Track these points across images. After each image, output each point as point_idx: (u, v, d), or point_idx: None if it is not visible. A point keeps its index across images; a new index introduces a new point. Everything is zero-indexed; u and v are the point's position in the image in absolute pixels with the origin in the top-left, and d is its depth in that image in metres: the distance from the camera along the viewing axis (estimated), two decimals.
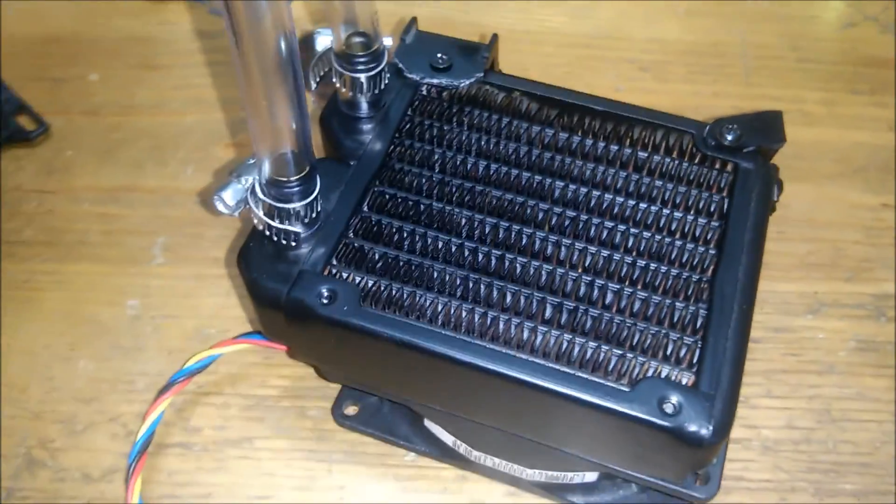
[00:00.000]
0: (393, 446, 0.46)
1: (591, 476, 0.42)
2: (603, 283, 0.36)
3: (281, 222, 0.37)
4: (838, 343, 0.48)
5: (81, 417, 0.47)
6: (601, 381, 0.34)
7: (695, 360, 0.35)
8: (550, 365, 0.34)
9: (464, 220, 0.38)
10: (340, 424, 0.46)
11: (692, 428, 0.33)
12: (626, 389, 0.34)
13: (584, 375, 0.34)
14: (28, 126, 0.57)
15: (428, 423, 0.44)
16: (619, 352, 0.35)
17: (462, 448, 0.43)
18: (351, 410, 0.46)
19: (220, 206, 0.38)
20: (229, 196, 0.37)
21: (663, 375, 0.34)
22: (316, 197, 0.37)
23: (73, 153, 0.57)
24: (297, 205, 0.37)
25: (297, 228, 0.37)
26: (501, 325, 0.36)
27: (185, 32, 0.64)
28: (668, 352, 0.35)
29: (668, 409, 0.33)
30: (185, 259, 0.53)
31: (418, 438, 0.45)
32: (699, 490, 0.38)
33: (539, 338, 0.35)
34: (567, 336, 0.35)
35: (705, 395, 0.33)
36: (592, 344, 0.35)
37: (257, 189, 0.37)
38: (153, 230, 0.54)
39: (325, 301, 0.36)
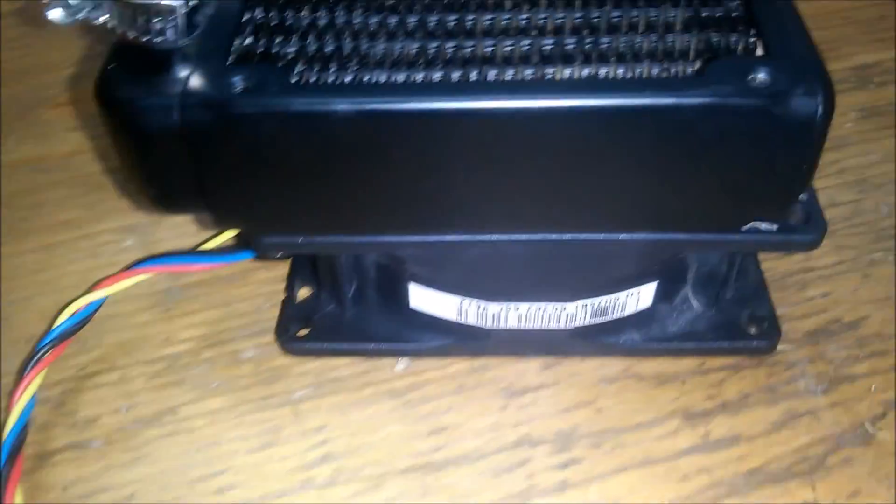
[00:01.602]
0: (373, 358, 0.33)
1: (646, 298, 0.31)
2: None
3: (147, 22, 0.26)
4: (840, 118, 0.41)
5: None
6: (653, 77, 0.25)
7: (752, 27, 0.26)
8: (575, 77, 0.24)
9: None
10: (293, 352, 0.33)
11: (798, 98, 0.24)
12: (691, 77, 0.24)
13: (627, 76, 0.25)
14: None
15: (417, 302, 0.32)
16: (658, 41, 0.26)
17: (472, 313, 0.31)
18: (303, 331, 0.34)
19: (56, 12, 0.25)
20: None
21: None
22: None
23: None
24: None
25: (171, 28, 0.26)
26: (495, 51, 0.25)
27: None
28: (719, 23, 0.26)
29: (758, 82, 0.24)
30: (25, 232, 0.39)
31: (405, 332, 0.33)
32: (805, 232, 0.28)
33: (548, 46, 0.25)
34: (585, 40, 0.26)
35: (790, 59, 0.24)
36: (623, 39, 0.26)
37: None
38: None
39: (240, 89, 0.25)
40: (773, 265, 0.35)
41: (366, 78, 0.26)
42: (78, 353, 0.34)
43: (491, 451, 0.30)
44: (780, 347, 0.32)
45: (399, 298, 0.32)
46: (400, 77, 0.25)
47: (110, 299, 0.33)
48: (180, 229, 0.38)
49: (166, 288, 0.36)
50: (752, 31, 0.26)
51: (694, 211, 0.27)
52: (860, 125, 0.41)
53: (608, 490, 0.29)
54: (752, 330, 0.32)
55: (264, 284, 0.36)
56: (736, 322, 0.33)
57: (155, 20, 0.26)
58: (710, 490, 0.29)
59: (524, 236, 0.28)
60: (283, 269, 0.36)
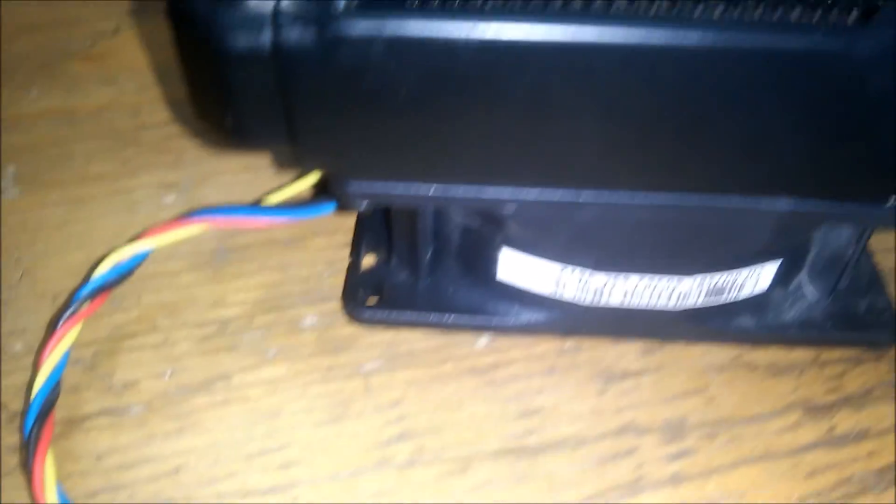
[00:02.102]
0: (453, 332, 0.30)
1: (765, 279, 0.28)
2: None
3: None
4: None
5: None
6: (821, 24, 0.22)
7: None
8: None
9: None
10: (361, 320, 0.30)
11: None
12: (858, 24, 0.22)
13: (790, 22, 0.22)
14: None
15: (507, 271, 0.28)
16: None
17: (572, 285, 0.28)
18: (373, 299, 0.30)
19: None
20: None
21: None
22: None
23: None
24: None
25: None
26: None
27: None
28: None
29: None
30: (50, 184, 0.35)
31: (489, 304, 0.29)
32: None
33: None
34: None
35: None
36: None
37: None
38: None
39: (345, 5, 0.21)
40: (883, 258, 0.32)
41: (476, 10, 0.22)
42: (112, 312, 0.30)
43: (592, 438, 0.27)
44: None
45: (486, 266, 0.29)
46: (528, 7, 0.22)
47: (150, 258, 0.30)
48: (229, 189, 0.35)
49: (215, 249, 0.32)
50: None
51: (842, 176, 0.25)
52: None
53: (728, 484, 0.26)
54: (872, 320, 0.29)
55: (325, 251, 0.32)
56: (854, 313, 0.30)
57: None
58: (841, 487, 0.26)
59: (647, 197, 0.25)
60: (345, 235, 0.33)
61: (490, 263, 0.29)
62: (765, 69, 0.22)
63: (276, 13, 0.21)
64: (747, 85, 0.22)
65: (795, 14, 0.22)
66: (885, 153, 0.24)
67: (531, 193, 0.25)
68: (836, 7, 0.23)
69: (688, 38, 0.21)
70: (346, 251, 0.32)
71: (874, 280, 0.31)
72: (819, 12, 0.22)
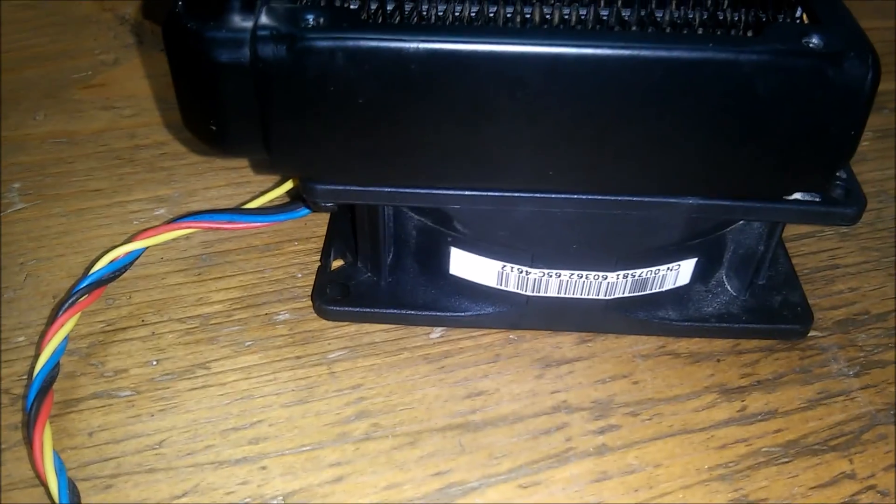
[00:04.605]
0: (409, 326, 0.33)
1: (685, 274, 0.32)
2: None
3: None
4: None
5: None
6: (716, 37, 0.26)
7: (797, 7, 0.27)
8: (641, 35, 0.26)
9: None
10: (329, 316, 0.33)
11: (850, 60, 0.25)
12: (749, 38, 0.25)
13: (690, 35, 0.26)
14: None
15: (457, 267, 0.32)
16: (709, 16, 0.27)
17: (513, 278, 0.31)
18: (339, 296, 0.33)
19: None
20: None
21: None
22: None
23: None
24: None
25: None
26: (554, 12, 0.27)
27: (4, 6, 0.52)
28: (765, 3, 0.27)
29: (813, 44, 0.25)
30: (53, 198, 0.39)
31: (443, 300, 0.33)
32: (846, 205, 0.29)
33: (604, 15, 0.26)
34: (640, 11, 0.27)
35: (839, 29, 0.26)
36: (675, 13, 0.27)
37: None
38: (2, 179, 0.40)
39: (312, 24, 0.25)
40: (800, 261, 0.36)
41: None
42: (106, 308, 0.34)
43: (528, 415, 0.30)
44: (811, 334, 0.33)
45: (439, 265, 0.32)
46: (462, 22, 0.26)
47: (141, 260, 0.33)
48: (214, 203, 0.38)
49: (199, 254, 0.36)
50: (798, 11, 0.28)
51: (743, 175, 0.28)
52: (876, 144, 0.43)
53: (647, 455, 0.29)
54: (786, 314, 0.33)
55: (298, 255, 0.36)
56: (769, 307, 0.33)
57: None
58: (749, 458, 0.29)
59: (573, 196, 0.29)
60: (316, 242, 0.36)
61: (442, 261, 0.32)
62: (670, 77, 0.25)
63: (255, 30, 0.25)
64: (656, 92, 0.26)
65: (698, 31, 0.26)
66: (775, 153, 0.27)
67: (475, 191, 0.29)
68: (735, 27, 0.27)
69: (605, 51, 0.25)
70: (318, 256, 0.36)
71: (791, 278, 0.34)
72: (719, 31, 0.26)
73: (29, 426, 0.28)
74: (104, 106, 0.44)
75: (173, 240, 0.33)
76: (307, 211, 0.34)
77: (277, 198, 0.36)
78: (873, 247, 0.37)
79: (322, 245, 0.36)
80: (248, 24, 0.26)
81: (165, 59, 0.27)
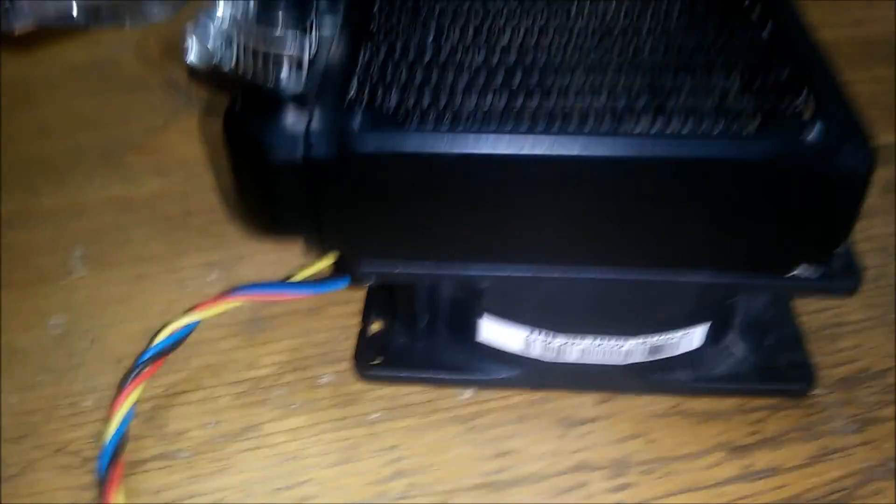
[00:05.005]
0: (442, 388, 0.36)
1: (697, 338, 0.34)
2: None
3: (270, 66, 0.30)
4: None
5: (13, 459, 0.34)
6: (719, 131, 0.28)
7: (802, 92, 0.30)
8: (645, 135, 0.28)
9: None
10: (368, 378, 0.36)
11: (846, 154, 0.27)
12: (751, 135, 0.28)
13: (693, 129, 0.28)
14: None
15: (487, 334, 0.35)
16: (719, 104, 0.29)
17: (538, 345, 0.34)
18: (377, 359, 0.37)
19: (193, 50, 0.29)
20: (205, 33, 0.29)
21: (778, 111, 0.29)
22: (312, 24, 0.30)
23: None
24: (291, 40, 0.30)
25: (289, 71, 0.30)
26: (573, 108, 0.29)
27: (57, 68, 0.56)
28: (771, 89, 0.30)
29: (811, 140, 0.28)
30: (112, 264, 0.42)
31: (473, 363, 0.36)
32: (845, 280, 0.32)
33: (621, 104, 0.29)
34: (653, 100, 0.29)
35: (838, 120, 0.28)
36: (689, 101, 0.30)
37: (239, 25, 0.30)
38: (65, 246, 0.43)
39: (359, 127, 0.28)
40: (807, 319, 0.38)
41: (460, 129, 0.29)
42: (166, 373, 0.37)
43: (551, 474, 0.33)
44: (815, 392, 0.35)
45: (469, 331, 0.35)
46: (491, 128, 0.29)
47: (197, 327, 0.37)
48: (262, 267, 0.42)
49: (249, 319, 0.39)
50: (802, 96, 0.30)
51: (747, 255, 0.31)
52: (884, 198, 0.45)
53: None
54: (791, 374, 0.35)
55: (340, 318, 0.39)
56: (776, 366, 0.36)
57: (281, 68, 0.30)
58: None
59: (593, 273, 0.31)
60: (356, 305, 0.39)
61: (472, 328, 0.35)
62: (679, 173, 0.28)
63: (307, 133, 0.29)
64: (667, 186, 0.29)
65: (706, 125, 0.29)
66: (777, 235, 0.30)
67: (503, 270, 0.32)
68: (740, 118, 0.29)
69: (621, 149, 0.28)
70: (358, 319, 0.39)
71: (796, 338, 0.37)
72: (723, 123, 0.29)
73: (101, 491, 0.31)
74: (156, 170, 0.48)
75: (225, 311, 0.36)
76: (348, 281, 0.37)
77: (321, 268, 0.39)
78: (877, 303, 0.39)
79: (362, 309, 0.39)
80: (302, 125, 0.29)
81: (212, 121, 0.30)
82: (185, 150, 0.49)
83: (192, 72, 0.31)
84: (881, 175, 0.46)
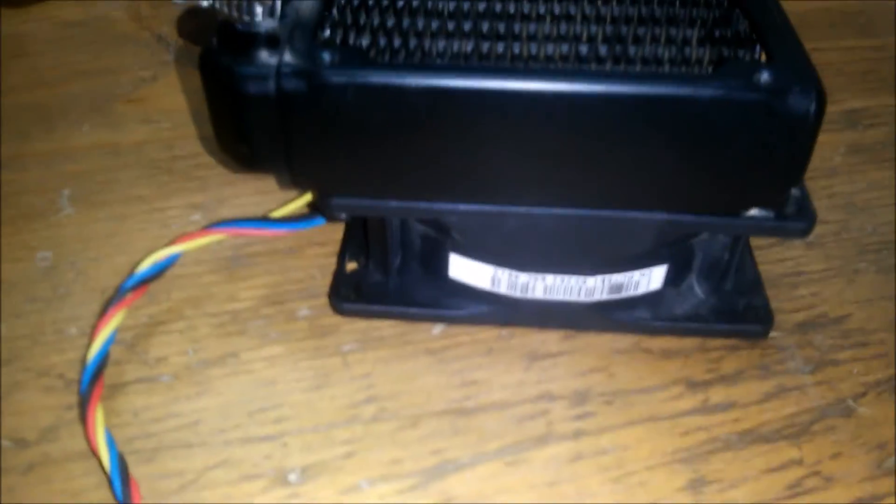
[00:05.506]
0: (414, 322, 0.38)
1: (657, 279, 0.36)
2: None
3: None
4: (831, 152, 0.47)
5: None
6: (676, 71, 0.30)
7: (756, 43, 0.31)
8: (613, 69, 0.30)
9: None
10: (343, 312, 0.38)
11: (795, 95, 0.29)
12: (705, 75, 0.29)
13: (652, 70, 0.30)
14: None
15: (455, 271, 0.36)
16: (678, 52, 0.31)
17: (504, 282, 0.35)
18: (352, 296, 0.38)
19: None
20: None
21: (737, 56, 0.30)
22: None
23: None
24: None
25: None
26: (539, 52, 0.31)
27: (52, 24, 0.57)
28: (728, 40, 0.31)
29: (762, 81, 0.29)
30: (99, 204, 0.43)
31: (443, 300, 0.37)
32: (799, 222, 0.33)
33: (584, 49, 0.31)
34: (615, 47, 0.31)
35: (789, 65, 0.30)
36: (647, 49, 0.31)
37: None
38: (54, 187, 0.44)
39: (329, 63, 0.30)
40: (768, 268, 0.40)
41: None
42: (149, 304, 0.38)
43: (515, 402, 0.35)
44: (772, 334, 0.37)
45: (440, 268, 0.37)
46: (459, 58, 0.31)
47: (179, 262, 0.38)
48: (243, 209, 0.43)
49: (230, 256, 0.41)
50: (756, 47, 0.31)
51: (702, 195, 0.32)
52: (848, 158, 0.46)
53: (618, 439, 0.33)
54: (749, 316, 0.37)
55: (318, 258, 0.41)
56: (735, 309, 0.37)
57: (255, 5, 0.31)
58: (708, 444, 0.33)
59: (555, 210, 0.33)
60: (334, 245, 0.41)
61: (443, 265, 0.37)
62: (638, 110, 0.30)
63: (279, 67, 0.30)
64: (627, 122, 0.30)
65: (665, 69, 0.30)
66: (732, 175, 0.31)
67: (469, 206, 0.33)
68: (699, 64, 0.31)
69: (582, 84, 0.29)
70: (335, 259, 0.40)
71: (756, 283, 0.38)
72: (684, 67, 0.30)
73: (83, 406, 0.32)
74: (144, 119, 0.49)
75: (207, 244, 0.38)
76: (324, 220, 0.39)
77: (299, 207, 0.40)
78: (836, 255, 0.41)
79: (339, 249, 0.40)
80: (274, 60, 0.30)
81: (199, 75, 0.32)
82: (173, 101, 0.50)
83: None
84: (847, 137, 0.48)
